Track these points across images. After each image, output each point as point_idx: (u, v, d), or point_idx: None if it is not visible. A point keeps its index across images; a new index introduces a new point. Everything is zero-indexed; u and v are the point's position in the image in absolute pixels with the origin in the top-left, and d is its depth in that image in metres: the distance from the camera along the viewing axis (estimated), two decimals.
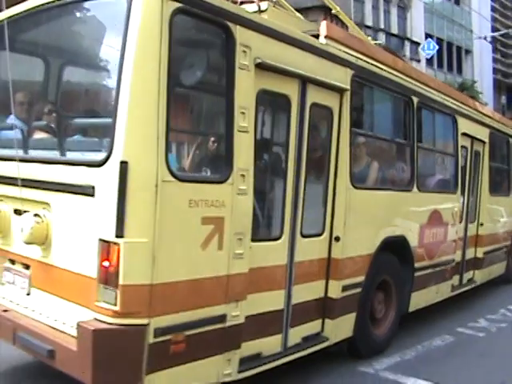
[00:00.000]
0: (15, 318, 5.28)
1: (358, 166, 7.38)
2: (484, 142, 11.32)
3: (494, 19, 51.16)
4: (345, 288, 6.82)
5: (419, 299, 8.93)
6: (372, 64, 7.36)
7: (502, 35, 46.57)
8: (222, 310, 5.20)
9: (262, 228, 5.83)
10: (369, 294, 7.38)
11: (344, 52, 6.79)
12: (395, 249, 7.84)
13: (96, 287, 4.59)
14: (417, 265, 8.55)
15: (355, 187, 6.87)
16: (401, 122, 8.58)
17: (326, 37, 6.59)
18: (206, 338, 5.10)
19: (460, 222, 10.16)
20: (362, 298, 7.20)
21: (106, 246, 4.56)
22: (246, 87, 5.27)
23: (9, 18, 5.64)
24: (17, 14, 5.86)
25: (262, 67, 5.42)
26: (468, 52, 45.70)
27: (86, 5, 5.51)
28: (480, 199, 11.26)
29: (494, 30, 47.67)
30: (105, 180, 4.61)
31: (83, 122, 5.49)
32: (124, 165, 4.51)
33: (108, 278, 4.55)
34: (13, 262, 5.62)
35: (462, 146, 10.26)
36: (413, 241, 8.34)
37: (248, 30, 5.34)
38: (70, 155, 5.28)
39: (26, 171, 5.18)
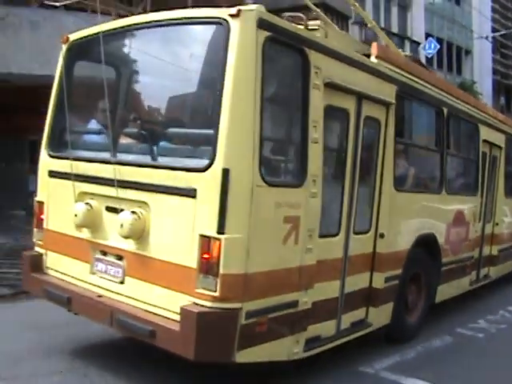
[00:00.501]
0: (111, 303, 6.15)
1: (400, 171, 8.41)
2: (501, 148, 12.48)
3: (494, 20, 51.15)
4: (386, 279, 7.85)
5: (444, 291, 9.92)
6: (412, 79, 8.52)
7: (501, 36, 46.64)
8: (296, 297, 6.15)
9: (325, 226, 6.59)
10: (404, 286, 8.43)
11: (390, 69, 7.91)
12: (426, 245, 8.94)
13: (196, 276, 5.45)
14: (443, 260, 9.63)
15: (397, 190, 8.03)
16: (433, 131, 9.76)
17: (376, 57, 7.71)
18: (282, 321, 6.01)
19: (478, 222, 11.32)
20: (399, 289, 8.26)
21: (206, 241, 5.41)
22: (317, 104, 6.24)
23: (105, 31, 6.55)
24: (114, 29, 6.79)
25: (329, 86, 6.44)
26: (468, 52, 45.73)
27: (188, 26, 6.35)
28: (496, 201, 12.39)
29: (493, 30, 47.73)
30: (207, 184, 5.47)
31: (180, 131, 6.39)
32: (226, 171, 5.37)
33: (208, 268, 5.39)
34: (104, 253, 6.46)
35: (483, 152, 11.40)
36: (440, 238, 9.45)
37: (319, 53, 6.34)
38: (166, 160, 6.12)
39: (118, 173, 6.13)
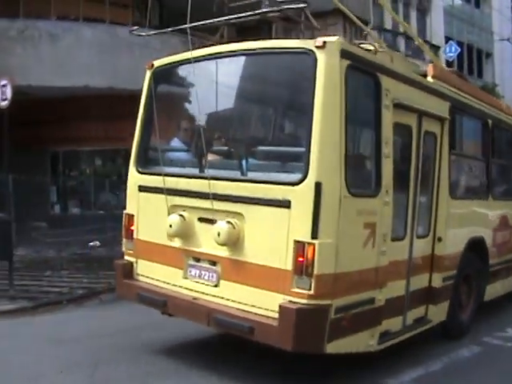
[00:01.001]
0: (207, 304, 6.90)
1: (454, 180, 9.22)
2: None
3: None
4: (444, 279, 8.63)
5: (491, 291, 10.67)
6: (461, 95, 9.40)
7: None
8: (373, 295, 6.91)
9: (394, 231, 7.33)
10: (458, 285, 9.21)
11: (444, 88, 8.78)
12: (476, 248, 9.64)
13: (291, 277, 6.17)
14: (491, 261, 10.37)
15: (452, 198, 8.82)
16: (480, 142, 10.62)
17: (432, 76, 8.63)
18: (362, 316, 6.74)
19: None
20: (454, 288, 9.02)
21: (301, 246, 6.13)
22: (387, 122, 7.06)
23: (196, 57, 7.57)
24: (202, 56, 7.75)
25: (396, 106, 7.22)
26: (489, 55, 45.27)
27: (278, 55, 7.16)
28: None
29: None
30: (301, 196, 6.21)
31: (271, 149, 7.31)
32: (318, 185, 6.12)
33: (303, 269, 6.11)
34: (198, 259, 7.20)
35: None
36: (488, 241, 10.20)
37: (388, 77, 7.18)
38: (256, 175, 6.82)
39: (212, 187, 6.87)
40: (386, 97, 7.09)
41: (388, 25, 33.70)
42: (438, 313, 8.70)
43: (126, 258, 8.12)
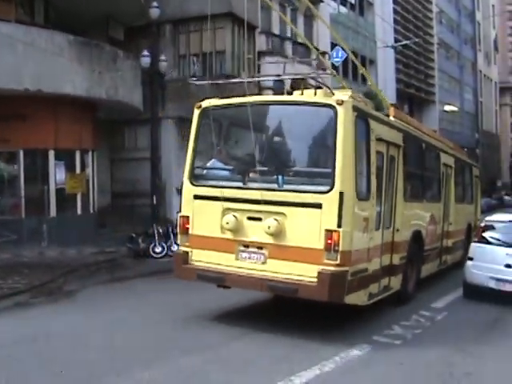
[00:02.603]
0: (259, 275, 10.09)
1: (406, 187, 12.92)
2: (452, 167, 17.87)
3: (396, 31, 52.40)
4: (400, 259, 12.39)
5: (425, 270, 14.78)
6: (409, 128, 13.85)
7: (403, 46, 47.73)
8: (366, 266, 10.47)
9: (374, 224, 10.91)
10: (407, 264, 12.91)
11: (399, 123, 12.96)
12: (416, 237, 13.62)
13: (323, 253, 9.54)
14: (425, 248, 14.56)
15: (404, 200, 12.65)
16: (421, 159, 14.95)
17: (394, 116, 12.97)
18: (362, 280, 10.23)
19: (440, 223, 16.43)
20: (405, 266, 12.79)
21: (330, 233, 9.51)
22: (373, 151, 10.78)
23: (237, 104, 11.15)
24: (242, 103, 10.93)
25: (377, 139, 10.96)
26: (372, 62, 46.64)
27: (310, 107, 10.52)
28: (449, 205, 17.30)
29: (396, 41, 48.81)
30: (330, 200, 9.62)
31: (305, 170, 10.67)
32: (341, 193, 9.59)
33: (332, 248, 9.49)
34: (247, 246, 10.37)
35: (443, 171, 16.79)
36: (423, 233, 14.29)
37: (373, 120, 10.94)
38: (292, 187, 10.11)
39: (260, 195, 10.17)
40: (372, 133, 10.77)
41: (276, 29, 33.97)
42: (396, 283, 12.28)
43: (182, 248, 11.10)
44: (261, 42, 31.74)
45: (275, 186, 10.16)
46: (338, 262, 9.43)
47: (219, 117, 11.33)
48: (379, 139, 11.04)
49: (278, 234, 9.94)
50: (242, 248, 10.34)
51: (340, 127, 9.73)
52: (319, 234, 9.57)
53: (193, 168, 11.23)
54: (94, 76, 21.30)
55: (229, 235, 10.43)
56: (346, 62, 36.08)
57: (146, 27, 24.40)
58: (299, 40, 35.99)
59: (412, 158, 13.69)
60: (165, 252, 20.04)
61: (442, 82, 69.28)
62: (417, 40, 50.29)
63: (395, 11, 54.32)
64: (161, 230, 20.43)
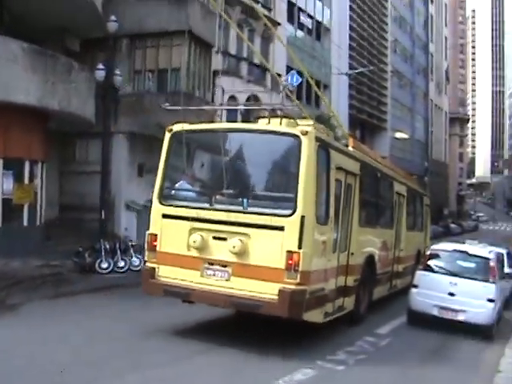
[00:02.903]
0: (223, 292, 10.61)
1: (361, 213, 13.74)
2: (404, 196, 18.87)
3: (351, 57, 53.11)
4: (353, 281, 13.09)
5: (376, 293, 15.45)
6: (367, 158, 14.70)
7: (357, 73, 48.39)
8: (323, 286, 11.21)
9: (336, 244, 12.08)
10: (360, 286, 13.60)
11: (357, 153, 13.78)
12: (369, 261, 14.45)
13: (284, 272, 10.18)
14: (377, 272, 15.31)
15: (359, 226, 13.47)
16: (375, 188, 15.91)
17: (352, 147, 13.75)
18: (318, 299, 10.95)
19: (392, 249, 17.24)
20: (358, 287, 13.48)
21: (291, 254, 10.19)
22: (333, 178, 11.59)
23: (205, 130, 12.35)
24: (212, 129, 12.34)
25: (336, 168, 11.78)
26: (326, 87, 47.11)
27: (276, 136, 11.20)
28: (401, 232, 18.32)
29: (350, 67, 49.50)
30: (292, 223, 10.31)
31: (269, 194, 11.29)
32: (303, 217, 10.31)
33: (292, 267, 10.15)
34: (211, 263, 10.91)
35: (396, 200, 17.84)
36: (376, 257, 15.14)
37: (333, 150, 11.79)
38: (255, 209, 10.71)
39: (220, 216, 10.92)
40: (333, 163, 11.60)
41: (233, 50, 34.11)
42: (349, 303, 12.97)
43: (149, 264, 11.55)
44: (217, 61, 31.83)
45: (240, 208, 10.80)
46: (297, 280, 10.14)
47: (189, 140, 11.85)
48: (338, 168, 11.96)
49: (241, 253, 10.55)
50: (207, 265, 10.93)
51: (303, 155, 10.51)
52: (281, 254, 10.27)
53: (162, 188, 11.78)
54: (48, 86, 21.00)
55: (195, 253, 10.98)
56: (300, 85, 36.37)
57: (103, 40, 24.25)
58: (255, 61, 36.25)
59: (367, 186, 14.52)
60: (111, 268, 19.78)
61: (394, 110, 70.45)
62: (371, 68, 51.15)
63: (351, 38, 55.13)
64: (108, 246, 20.13)
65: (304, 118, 12.49)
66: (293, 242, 10.19)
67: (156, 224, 11.58)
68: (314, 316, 10.94)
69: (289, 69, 35.32)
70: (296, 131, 10.72)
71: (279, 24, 36.69)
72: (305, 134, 10.55)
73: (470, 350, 12.75)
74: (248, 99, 34.42)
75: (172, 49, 28.24)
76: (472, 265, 14.44)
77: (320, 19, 48.29)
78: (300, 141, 10.56)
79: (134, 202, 27.69)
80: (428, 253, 15.48)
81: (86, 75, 23.53)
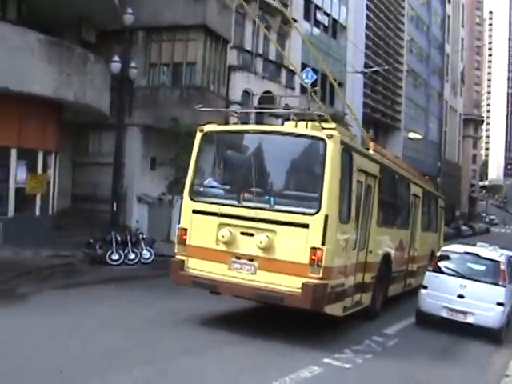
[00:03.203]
0: (249, 284, 11.29)
1: (380, 213, 14.35)
2: (420, 197, 19.36)
3: (366, 56, 52.96)
4: (371, 277, 13.77)
5: (392, 290, 16.10)
6: (386, 161, 15.38)
7: (372, 72, 48.26)
8: (343, 281, 11.79)
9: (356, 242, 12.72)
10: (376, 283, 14.19)
11: (377, 156, 14.60)
12: (386, 259, 15.03)
13: (307, 267, 10.82)
14: (393, 270, 15.86)
15: (377, 226, 14.13)
16: (393, 189, 16.58)
17: (373, 150, 14.65)
18: (338, 293, 11.56)
19: (407, 248, 17.84)
20: (374, 284, 14.11)
21: (314, 250, 10.81)
22: (355, 180, 12.26)
23: (239, 130, 13.15)
24: (244, 130, 13.15)
25: (358, 170, 12.43)
26: (341, 85, 46.81)
27: (303, 139, 11.95)
28: (416, 233, 18.88)
29: (366, 66, 49.35)
30: (316, 221, 10.93)
31: (295, 193, 11.87)
32: (326, 216, 10.90)
33: (316, 263, 10.78)
34: (238, 257, 11.54)
35: (412, 201, 18.38)
36: (392, 256, 15.69)
37: (355, 153, 12.45)
38: (282, 207, 11.34)
39: (254, 213, 11.45)
40: (355, 165, 12.28)
41: (248, 45, 34.10)
42: (366, 299, 13.56)
43: (179, 257, 12.09)
44: (232, 57, 31.84)
45: (267, 205, 11.44)
46: (320, 275, 10.76)
47: (219, 141, 12.60)
48: (360, 170, 12.64)
49: (268, 248, 11.19)
50: (235, 259, 11.54)
51: (328, 158, 11.18)
52: (305, 250, 10.90)
53: (193, 185, 12.36)
54: (63, 77, 21.08)
55: (223, 247, 11.61)
56: (314, 82, 36.31)
57: (119, 32, 24.34)
58: (270, 57, 36.23)
59: (386, 188, 15.10)
60: (122, 260, 19.91)
61: (408, 110, 70.17)
62: (386, 67, 50.97)
63: (367, 36, 54.94)
64: (119, 238, 20.23)
65: (326, 120, 12.55)
66: (317, 239, 10.83)
67: (186, 219, 12.16)
68: (334, 309, 11.50)
69: (304, 66, 35.26)
70: (322, 135, 11.37)
71: (296, 21, 36.54)
72: (330, 137, 11.23)
73: (478, 352, 12.72)
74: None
75: (188, 43, 28.31)
76: (482, 267, 14.40)
77: (336, 17, 48.19)
78: (326, 144, 11.24)
79: (147, 195, 27.80)
80: (438, 254, 15.45)
81: (102, 67, 23.62)
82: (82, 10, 24.23)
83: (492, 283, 13.92)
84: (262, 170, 12.17)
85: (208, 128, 12.50)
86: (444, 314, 13.93)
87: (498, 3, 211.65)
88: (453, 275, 14.31)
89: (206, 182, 12.58)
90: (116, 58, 23.08)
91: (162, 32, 28.48)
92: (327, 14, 46.42)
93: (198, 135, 12.54)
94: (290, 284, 10.87)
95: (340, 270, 11.56)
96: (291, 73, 37.32)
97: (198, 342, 10.78)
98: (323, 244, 10.79)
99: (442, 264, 14.76)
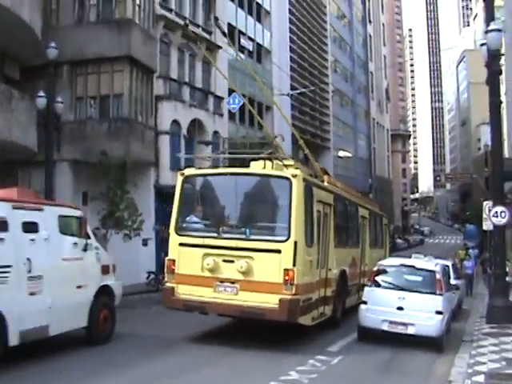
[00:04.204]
0: (233, 303, 13.18)
1: (335, 236, 16.56)
2: (367, 218, 21.98)
3: (292, 78, 53.53)
4: (331, 291, 15.77)
5: (348, 302, 17.93)
6: (337, 189, 17.86)
7: (299, 94, 48.81)
8: (311, 295, 14.00)
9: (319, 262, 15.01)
10: (336, 296, 16.18)
11: (331, 186, 17.02)
12: (342, 275, 17.12)
13: (282, 286, 12.91)
14: (348, 283, 17.94)
15: (334, 247, 16.28)
16: (343, 214, 18.71)
17: (327, 182, 16.84)
18: (308, 306, 13.75)
19: (359, 264, 20.05)
20: (334, 298, 16.06)
21: (287, 271, 12.91)
22: (315, 210, 14.67)
23: (213, 174, 15.25)
24: (218, 173, 15.21)
25: (317, 201, 14.81)
26: (269, 108, 47.26)
27: (270, 178, 14.14)
28: (365, 250, 21.24)
29: (292, 88, 49.88)
30: (287, 247, 13.08)
31: (267, 224, 14.05)
32: (295, 242, 13.13)
33: (289, 281, 12.88)
34: (222, 281, 13.44)
35: (361, 222, 20.91)
36: (347, 271, 17.81)
37: (315, 187, 14.90)
38: (256, 237, 13.48)
39: (234, 243, 13.55)
40: (314, 197, 14.53)
41: (174, 74, 34.09)
42: (328, 310, 15.45)
43: (169, 284, 14.02)
44: (159, 86, 31.77)
45: (244, 236, 13.54)
46: (293, 291, 12.86)
47: (198, 182, 15.03)
48: (319, 201, 14.98)
49: (247, 272, 13.18)
50: (219, 283, 13.47)
51: (294, 194, 13.35)
52: (279, 271, 12.96)
53: (177, 222, 14.28)
54: None
55: (208, 273, 13.54)
56: (242, 107, 36.56)
57: (43, 67, 23.99)
58: (197, 85, 36.27)
59: (339, 214, 17.45)
60: None
61: (337, 129, 71.32)
62: (312, 88, 51.82)
63: (292, 59, 55.53)
64: None
65: (286, 159, 14.99)
66: (288, 261, 12.95)
67: (174, 251, 14.12)
68: (305, 320, 13.71)
69: (231, 91, 35.39)
70: (288, 174, 13.62)
71: (220, 47, 36.86)
72: (295, 176, 13.45)
73: (421, 362, 12.91)
74: (191, 123, 34.41)
75: (113, 75, 28.22)
76: (419, 278, 14.73)
77: (261, 42, 48.57)
78: (291, 182, 13.41)
79: None
80: (375, 268, 15.66)
81: (27, 103, 23.21)
82: (4, 46, 23.82)
83: (429, 293, 14.24)
84: (238, 206, 14.43)
85: (188, 172, 14.82)
86: (385, 327, 14.14)
87: (416, 21, 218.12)
88: (391, 288, 14.60)
89: (187, 219, 14.55)
90: (41, 94, 22.74)
91: (88, 64, 28.27)
92: (251, 39, 46.77)
93: (179, 178, 14.63)
94: (268, 300, 12.89)
95: (308, 286, 13.68)
96: (219, 99, 37.42)
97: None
98: (294, 265, 12.92)
99: (379, 278, 15.04)
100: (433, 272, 14.71)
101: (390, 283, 14.79)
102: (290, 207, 13.27)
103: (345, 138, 74.12)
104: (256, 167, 14.77)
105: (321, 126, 64.88)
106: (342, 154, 67.15)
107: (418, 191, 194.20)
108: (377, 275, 15.16)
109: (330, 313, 15.69)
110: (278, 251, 13.03)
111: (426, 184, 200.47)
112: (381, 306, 14.31)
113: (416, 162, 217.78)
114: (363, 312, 14.64)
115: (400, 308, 14.03)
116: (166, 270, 14.21)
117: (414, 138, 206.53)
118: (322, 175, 17.07)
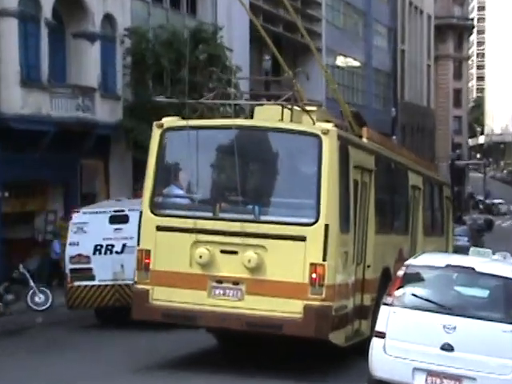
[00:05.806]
0: (236, 313, 10.52)
1: (377, 218, 12.77)
2: (420, 189, 16.16)
3: None
4: (371, 299, 12.38)
5: None
6: (381, 148, 13.79)
7: None
8: (346, 302, 11.09)
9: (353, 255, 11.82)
10: (376, 307, 11.46)
11: (372, 145, 13.17)
12: (385, 276, 12.79)
13: (308, 287, 10.23)
14: None
15: (376, 233, 12.66)
16: (389, 184, 14.25)
17: (366, 138, 13.09)
18: (342, 318, 10.91)
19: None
20: (374, 309, 11.74)
21: (314, 266, 10.21)
22: (352, 180, 11.46)
23: (210, 127, 11.70)
24: (216, 126, 11.88)
25: (354, 167, 11.56)
26: None
27: (295, 135, 11.12)
28: (417, 239, 15.82)
29: None
30: (314, 233, 10.31)
31: (286, 200, 11.15)
32: (326, 226, 10.28)
33: (316, 282, 10.21)
34: (220, 281, 10.66)
35: (411, 195, 15.50)
36: (392, 271, 13.00)
37: (352, 147, 11.57)
38: (271, 218, 10.71)
39: (231, 227, 10.65)
40: (352, 162, 11.30)
41: None
42: (365, 327, 11.80)
43: (140, 286, 10.96)
44: None
45: (251, 216, 10.63)
46: (323, 296, 10.10)
47: (184, 138, 10.85)
48: (356, 166, 11.52)
49: (257, 268, 10.34)
50: (215, 284, 10.59)
51: (325, 157, 10.38)
52: (303, 267, 10.20)
53: (153, 195, 11.12)
54: None
55: (199, 270, 10.59)
56: None
57: None
58: None
59: (382, 185, 13.33)
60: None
61: (334, 15, 49.08)
62: None
63: None
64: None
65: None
66: (317, 254, 10.21)
67: (148, 238, 10.99)
68: (338, 337, 10.72)
69: None
70: (316, 130, 10.64)
71: None
72: (326, 132, 10.47)
73: None
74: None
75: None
76: (484, 293, 9.55)
77: None
78: (321, 141, 10.49)
79: None
80: (401, 272, 9.78)
81: None
82: None
83: (503, 321, 8.91)
84: (243, 174, 11.09)
85: (169, 123, 11.41)
86: (420, 381, 8.85)
87: None
88: (430, 310, 9.12)
89: (165, 191, 11.59)
90: None
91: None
92: None
93: (156, 132, 11.32)
94: (288, 309, 10.30)
95: (343, 289, 10.89)
96: None
97: None
98: (324, 259, 10.25)
99: (408, 291, 9.41)
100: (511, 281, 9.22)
101: (429, 300, 9.20)
102: (320, 176, 10.40)
103: (349, 31, 50.24)
104: (266, 116, 11.89)
105: (304, 9, 42.05)
106: (341, 61, 47.91)
107: (483, 133, 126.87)
108: (402, 285, 9.46)
109: (369, 332, 10.95)
110: (303, 238, 10.28)
111: (499, 120, 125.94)
112: (412, 343, 8.98)
113: (481, 78, 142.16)
114: (378, 351, 9.14)
115: (447, 347, 8.72)
116: (136, 265, 11.18)
117: (480, 33, 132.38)
118: (354, 125, 13.15)
